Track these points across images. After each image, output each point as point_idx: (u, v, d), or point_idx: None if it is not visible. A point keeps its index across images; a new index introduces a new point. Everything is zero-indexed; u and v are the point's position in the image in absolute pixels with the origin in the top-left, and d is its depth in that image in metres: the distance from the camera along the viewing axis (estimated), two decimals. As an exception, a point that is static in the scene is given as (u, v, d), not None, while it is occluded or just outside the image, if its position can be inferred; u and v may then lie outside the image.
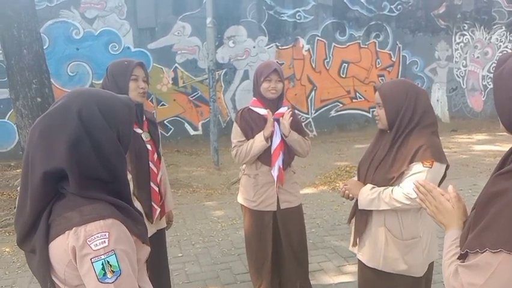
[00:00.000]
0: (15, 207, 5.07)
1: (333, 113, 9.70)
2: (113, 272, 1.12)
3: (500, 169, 1.19)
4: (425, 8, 10.05)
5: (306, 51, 9.30)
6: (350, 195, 2.21)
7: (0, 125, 7.78)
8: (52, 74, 6.23)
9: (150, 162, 2.40)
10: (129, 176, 2.22)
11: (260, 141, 2.69)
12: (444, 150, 2.11)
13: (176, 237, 4.41)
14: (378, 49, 9.82)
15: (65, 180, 1.18)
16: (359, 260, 2.26)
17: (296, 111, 2.97)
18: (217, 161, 7.35)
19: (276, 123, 2.74)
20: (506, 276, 1.05)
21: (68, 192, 1.18)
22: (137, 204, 2.27)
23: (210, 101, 7.43)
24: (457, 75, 10.59)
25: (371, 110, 9.88)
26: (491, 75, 10.73)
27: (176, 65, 8.56)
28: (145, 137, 2.41)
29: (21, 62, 5.42)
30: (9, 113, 7.54)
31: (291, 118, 2.70)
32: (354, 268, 3.59)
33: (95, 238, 1.12)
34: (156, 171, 2.43)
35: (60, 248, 1.15)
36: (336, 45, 9.48)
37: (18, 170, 6.98)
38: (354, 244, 2.25)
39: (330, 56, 9.48)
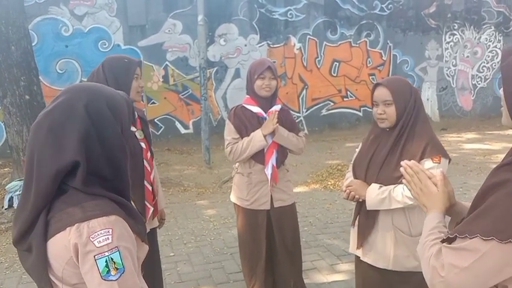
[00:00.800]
0: (2, 207, 5.00)
1: (324, 112, 9.70)
2: (117, 269, 1.10)
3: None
4: (415, 8, 10.10)
5: (297, 49, 9.29)
6: (356, 196, 2.14)
7: (-13, 123, 7.66)
8: (40, 72, 6.14)
9: (144, 160, 2.37)
10: None
11: (259, 141, 2.64)
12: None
13: (168, 237, 4.37)
14: (369, 48, 9.84)
15: (69, 176, 1.15)
16: (362, 262, 2.21)
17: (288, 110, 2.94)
18: (209, 160, 7.31)
19: None
20: (492, 263, 1.05)
21: (70, 187, 1.15)
22: None
23: (201, 99, 7.38)
24: (446, 74, 10.67)
25: (362, 108, 9.92)
26: (481, 74, 10.85)
27: (167, 62, 8.49)
28: (139, 135, 2.38)
29: (9, 59, 5.33)
30: (-3, 110, 7.42)
31: (277, 121, 2.65)
32: (347, 266, 3.59)
33: (98, 235, 1.09)
34: (150, 170, 2.41)
35: (60, 244, 1.11)
36: (327, 43, 9.49)
37: (6, 169, 6.86)
38: (359, 247, 2.19)
39: (322, 54, 9.48)
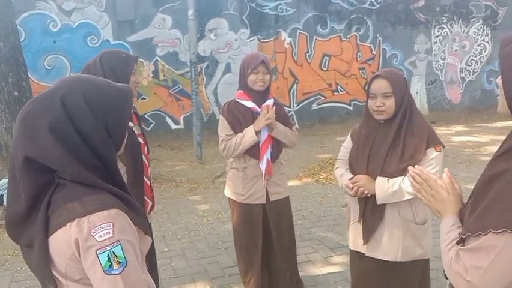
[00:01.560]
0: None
1: (314, 106, 9.73)
2: (119, 263, 1.09)
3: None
4: (404, 2, 10.15)
5: (288, 44, 9.29)
6: (366, 191, 2.08)
7: (-26, 120, 7.54)
8: (29, 68, 6.05)
9: (142, 156, 2.36)
10: (123, 170, 2.18)
11: (251, 137, 2.64)
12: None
13: (162, 232, 4.36)
14: (359, 42, 9.87)
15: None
16: (364, 258, 2.20)
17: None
18: (200, 155, 7.29)
19: None
20: (511, 256, 1.04)
21: (67, 181, 1.13)
22: None
23: (192, 94, 7.35)
24: (435, 68, 10.75)
25: (352, 102, 9.96)
26: (469, 67, 10.95)
27: (156, 58, 8.43)
28: (136, 130, 2.38)
29: (-3, 55, 5.25)
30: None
31: (274, 114, 2.65)
32: (341, 259, 3.62)
33: (99, 229, 1.08)
34: (147, 165, 2.41)
35: (61, 240, 1.10)
36: (317, 38, 9.50)
37: (-6, 167, 6.77)
38: (365, 243, 2.17)
39: (312, 49, 9.49)
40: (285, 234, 2.89)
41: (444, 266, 1.22)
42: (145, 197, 2.33)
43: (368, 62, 10.03)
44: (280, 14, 9.15)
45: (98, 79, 1.25)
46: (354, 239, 2.26)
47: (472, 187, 1.23)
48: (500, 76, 1.15)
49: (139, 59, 8.15)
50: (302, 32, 9.36)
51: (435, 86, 10.82)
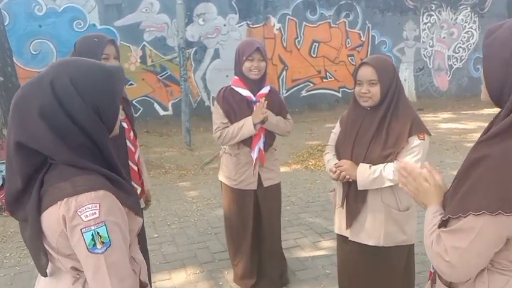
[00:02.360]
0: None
1: (304, 93, 9.74)
2: (103, 242, 1.13)
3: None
4: (394, -12, 10.15)
5: (277, 30, 9.25)
6: (347, 176, 2.12)
7: (-42, 105, 7.40)
8: (14, 53, 5.94)
9: (127, 141, 2.34)
10: None
11: (249, 130, 2.63)
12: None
13: (151, 218, 4.37)
14: (348, 29, 9.87)
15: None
16: (348, 242, 2.24)
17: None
18: (189, 141, 7.28)
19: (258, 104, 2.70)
20: (489, 237, 1.10)
21: (59, 162, 1.17)
22: None
23: (181, 80, 7.30)
24: (423, 55, 10.81)
25: (341, 89, 9.99)
26: (457, 55, 11.03)
27: (144, 43, 8.34)
28: (120, 114, 2.34)
29: (-19, 39, 5.14)
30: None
31: (266, 110, 2.63)
32: (329, 243, 3.67)
33: (85, 209, 1.12)
34: (134, 150, 2.38)
35: (52, 217, 1.15)
36: (307, 24, 9.46)
37: (-20, 153, 6.67)
38: (348, 227, 2.21)
39: (301, 35, 9.46)
40: (275, 218, 2.93)
41: (426, 249, 1.26)
42: (133, 183, 2.31)
43: (357, 49, 10.04)
44: (269, -1, 9.09)
45: (87, 61, 1.25)
46: (339, 223, 2.30)
47: (458, 173, 1.27)
48: (482, 64, 1.19)
49: (126, 44, 8.13)
50: (291, 17, 9.32)
51: (423, 73, 10.89)
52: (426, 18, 10.63)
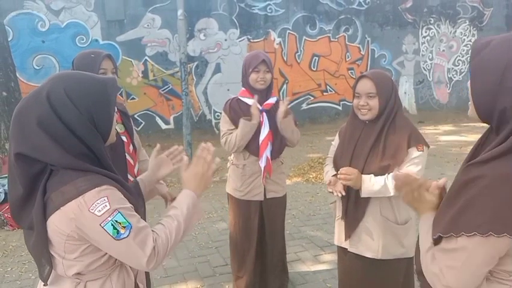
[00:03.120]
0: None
1: (304, 106, 9.79)
2: (124, 227, 1.20)
3: (471, 159, 1.22)
4: (392, 2, 10.26)
5: (277, 44, 9.34)
6: (349, 182, 2.06)
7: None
8: (17, 68, 6.03)
9: (126, 154, 2.37)
10: None
11: (242, 123, 2.66)
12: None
13: (152, 232, 4.37)
14: (347, 42, 9.96)
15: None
16: (347, 254, 2.25)
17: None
18: (191, 155, 7.29)
19: (264, 113, 2.73)
20: (480, 258, 1.11)
21: (60, 168, 1.22)
22: None
23: (183, 94, 7.35)
24: (423, 68, 10.88)
25: (341, 102, 10.04)
26: (456, 68, 11.10)
27: (146, 57, 8.42)
28: (119, 128, 2.37)
29: (-15, 55, 5.22)
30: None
31: (287, 101, 2.72)
32: (330, 257, 3.67)
33: (96, 205, 1.18)
34: (133, 163, 2.40)
35: (59, 221, 1.19)
36: (306, 38, 9.56)
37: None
38: (346, 238, 2.22)
39: (301, 49, 9.55)
40: (278, 232, 2.94)
41: (422, 266, 1.27)
42: None
43: (357, 62, 10.11)
44: (269, 14, 9.20)
45: (80, 74, 1.31)
46: (339, 234, 2.31)
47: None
48: (469, 82, 1.19)
49: (128, 59, 8.21)
50: (291, 32, 9.41)
51: (423, 86, 10.95)
52: (426, 32, 10.72)
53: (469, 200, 1.10)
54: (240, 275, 2.94)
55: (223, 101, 2.93)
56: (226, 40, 8.90)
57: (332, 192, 2.20)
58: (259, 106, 2.72)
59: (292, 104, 9.59)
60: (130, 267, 1.40)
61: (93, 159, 1.26)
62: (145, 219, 1.38)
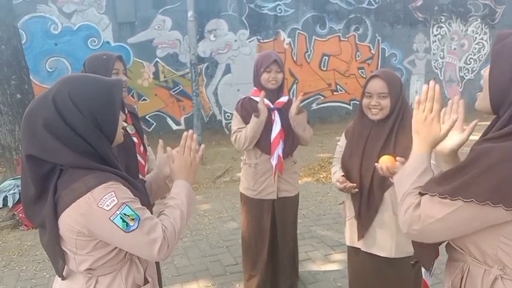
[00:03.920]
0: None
1: (314, 106, 9.77)
2: (133, 219, 1.24)
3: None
4: (403, 1, 10.19)
5: (287, 44, 9.34)
6: (354, 185, 2.08)
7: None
8: (30, 70, 6.12)
9: (137, 155, 2.41)
10: None
11: (252, 121, 2.69)
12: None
13: (164, 232, 4.41)
14: (357, 42, 9.92)
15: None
16: (360, 254, 2.25)
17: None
18: (201, 155, 7.33)
19: (276, 112, 2.75)
20: (465, 216, 1.13)
21: (68, 167, 1.26)
22: None
23: (193, 95, 7.42)
24: (434, 66, 10.80)
25: (352, 102, 10.00)
26: (468, 66, 10.99)
27: (157, 59, 8.48)
28: (130, 129, 2.42)
29: (0, 58, 5.31)
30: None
31: (300, 101, 2.75)
32: (340, 256, 3.68)
33: (104, 200, 1.22)
34: (144, 163, 2.46)
35: (70, 218, 1.24)
36: (316, 38, 9.55)
37: (-3, 169, 6.83)
38: (360, 238, 2.22)
39: (311, 49, 9.54)
40: (289, 231, 2.96)
41: (399, 201, 1.29)
42: None
43: (367, 62, 10.07)
44: (279, 14, 9.20)
45: (87, 77, 1.35)
46: (351, 235, 2.31)
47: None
48: (487, 68, 1.20)
49: (139, 61, 8.28)
50: (301, 32, 9.41)
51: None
52: (437, 30, 10.64)
53: (474, 173, 1.12)
54: (253, 274, 2.96)
55: (233, 101, 2.96)
56: (236, 41, 8.93)
57: (343, 191, 2.20)
58: (268, 103, 2.75)
59: (302, 104, 9.56)
60: (140, 262, 1.44)
61: (100, 158, 1.30)
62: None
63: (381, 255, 2.17)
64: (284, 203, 2.88)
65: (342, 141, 2.41)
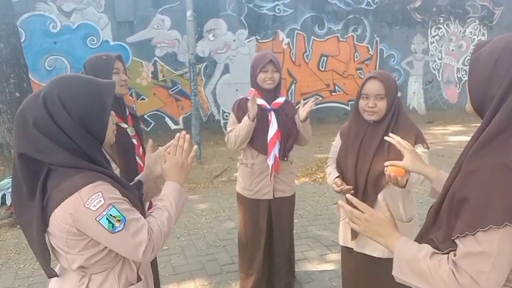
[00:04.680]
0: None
1: (312, 106, 9.75)
2: (119, 221, 1.26)
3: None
4: (401, 2, 10.23)
5: (285, 44, 9.37)
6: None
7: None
8: (29, 69, 6.12)
9: (136, 157, 2.43)
10: (117, 171, 2.26)
11: (244, 122, 2.70)
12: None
13: (161, 231, 4.43)
14: (356, 42, 9.95)
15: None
16: (353, 254, 2.27)
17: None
18: (200, 155, 7.37)
19: (272, 112, 2.78)
20: (506, 251, 1.07)
21: (57, 167, 1.28)
22: None
23: (192, 95, 7.43)
24: (432, 67, 10.84)
25: (350, 103, 10.04)
26: (466, 67, 11.03)
27: (155, 58, 8.50)
28: (130, 131, 2.44)
29: (-1, 57, 5.32)
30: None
31: (311, 107, 2.77)
32: (336, 256, 3.70)
33: (91, 200, 1.24)
34: (143, 165, 2.47)
35: (59, 218, 1.26)
36: (315, 38, 9.57)
37: (-4, 167, 6.84)
38: (353, 238, 2.25)
39: (310, 49, 9.57)
40: (285, 231, 2.98)
41: (441, 284, 1.14)
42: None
43: (366, 62, 10.11)
44: (278, 14, 9.23)
45: (78, 78, 1.36)
46: (344, 235, 2.34)
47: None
48: (468, 77, 1.25)
49: (138, 60, 8.30)
50: (300, 32, 9.44)
51: (432, 86, 10.91)
52: (435, 31, 10.68)
53: (474, 197, 1.09)
54: (249, 273, 2.99)
55: (231, 101, 2.98)
56: (234, 41, 8.95)
57: (339, 193, 2.22)
58: (264, 103, 2.77)
59: (298, 105, 9.59)
60: (133, 260, 1.46)
61: (89, 159, 1.32)
62: (144, 216, 1.43)
63: (374, 256, 2.20)
64: (280, 203, 2.90)
65: (337, 142, 2.43)
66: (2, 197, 4.96)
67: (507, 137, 1.11)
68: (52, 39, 7.82)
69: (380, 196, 2.15)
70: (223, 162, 7.15)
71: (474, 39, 11.07)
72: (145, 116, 8.45)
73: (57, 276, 1.40)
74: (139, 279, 1.47)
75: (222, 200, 5.44)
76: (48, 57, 7.84)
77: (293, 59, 9.47)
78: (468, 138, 1.33)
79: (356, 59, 9.99)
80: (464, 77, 11.11)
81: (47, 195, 1.27)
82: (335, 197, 5.34)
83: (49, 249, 1.35)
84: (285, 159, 2.86)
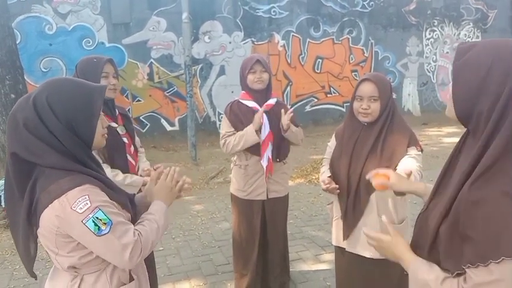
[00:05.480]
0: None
1: (308, 108, 9.84)
2: (105, 224, 1.27)
3: (449, 166, 1.28)
4: (396, 5, 10.30)
5: (281, 46, 9.40)
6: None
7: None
8: (25, 70, 6.14)
9: (128, 155, 2.47)
10: (108, 169, 2.28)
11: (251, 137, 2.73)
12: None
13: (157, 232, 4.45)
14: (351, 45, 10.01)
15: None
16: (346, 254, 2.29)
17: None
18: (195, 156, 7.39)
19: (264, 115, 2.79)
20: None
21: (46, 168, 1.29)
22: None
23: (187, 97, 7.45)
24: (427, 70, 10.91)
25: (345, 104, 10.08)
26: (460, 70, 11.08)
27: (151, 60, 8.51)
28: (121, 130, 2.48)
29: (-6, 58, 5.33)
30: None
31: (291, 115, 2.77)
32: (330, 256, 3.73)
33: (78, 203, 1.25)
34: (134, 163, 2.52)
35: (47, 220, 1.28)
36: (310, 40, 9.62)
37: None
38: (345, 238, 2.27)
39: (305, 51, 9.61)
40: (280, 231, 3.01)
41: None
42: None
43: (361, 64, 10.16)
44: (273, 17, 9.27)
45: (69, 81, 1.38)
46: (337, 235, 2.36)
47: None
48: (451, 83, 1.19)
49: (134, 62, 8.31)
50: (295, 34, 9.48)
51: (427, 88, 10.98)
52: (429, 34, 10.76)
53: (481, 231, 1.07)
54: (244, 273, 3.01)
55: (227, 102, 3.01)
56: (230, 43, 8.98)
57: (325, 191, 2.24)
58: (255, 105, 2.80)
59: (296, 106, 9.64)
60: None
61: (78, 161, 1.33)
62: (136, 217, 1.47)
63: (365, 256, 2.22)
64: (274, 203, 2.93)
65: (332, 143, 2.45)
66: (-3, 198, 4.95)
67: (505, 162, 1.08)
68: (48, 41, 7.82)
69: (372, 197, 2.19)
70: (218, 164, 7.17)
71: (468, 41, 11.13)
72: (141, 118, 8.46)
73: (36, 279, 1.47)
74: (131, 279, 1.49)
75: (218, 201, 5.46)
76: (43, 59, 7.83)
77: (289, 61, 9.51)
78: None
79: (351, 61, 10.04)
80: (458, 79, 11.18)
81: (36, 197, 1.28)
82: (330, 198, 5.35)
83: (32, 252, 1.37)
84: (278, 160, 2.89)
